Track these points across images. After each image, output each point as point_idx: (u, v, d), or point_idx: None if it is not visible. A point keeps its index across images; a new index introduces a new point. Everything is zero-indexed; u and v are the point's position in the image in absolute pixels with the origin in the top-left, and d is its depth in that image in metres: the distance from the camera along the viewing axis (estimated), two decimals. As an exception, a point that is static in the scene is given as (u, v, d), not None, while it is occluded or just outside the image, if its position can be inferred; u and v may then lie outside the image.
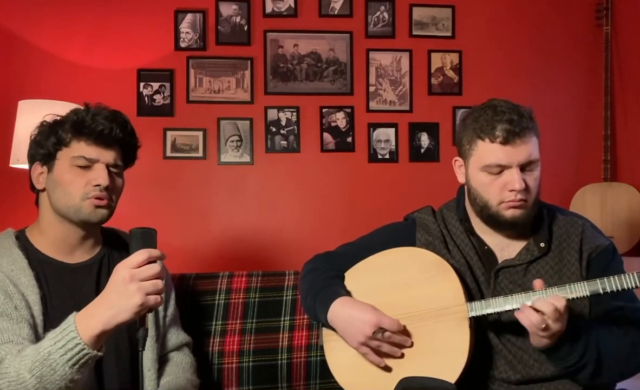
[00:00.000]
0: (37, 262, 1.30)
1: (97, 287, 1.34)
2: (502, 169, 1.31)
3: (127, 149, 1.39)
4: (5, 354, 1.11)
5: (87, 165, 1.29)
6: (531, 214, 1.35)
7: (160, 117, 2.92)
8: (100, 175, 1.29)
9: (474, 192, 1.37)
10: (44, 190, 1.33)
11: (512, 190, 1.30)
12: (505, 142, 1.30)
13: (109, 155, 1.32)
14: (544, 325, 1.18)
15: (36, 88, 2.76)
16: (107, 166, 1.32)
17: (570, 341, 1.25)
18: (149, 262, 1.04)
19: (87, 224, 1.32)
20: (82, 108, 1.34)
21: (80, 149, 1.29)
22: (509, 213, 1.32)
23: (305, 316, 1.74)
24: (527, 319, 1.20)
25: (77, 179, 1.29)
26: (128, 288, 1.02)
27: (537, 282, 1.25)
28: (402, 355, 1.34)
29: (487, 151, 1.32)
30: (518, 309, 1.28)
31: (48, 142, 1.30)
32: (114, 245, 1.43)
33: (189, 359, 1.51)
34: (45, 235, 1.33)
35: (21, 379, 1.05)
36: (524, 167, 1.32)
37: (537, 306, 1.19)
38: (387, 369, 1.35)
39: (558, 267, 1.37)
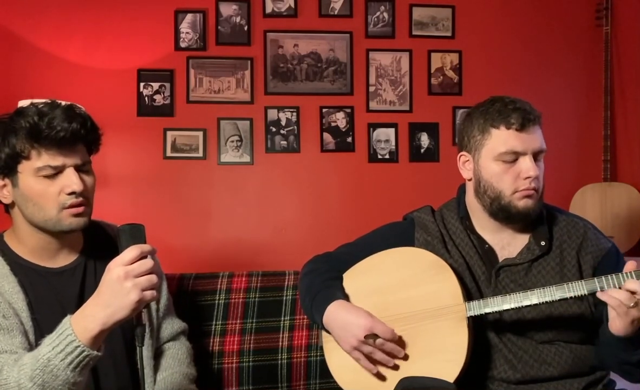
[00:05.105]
0: (19, 268, 1.25)
1: (82, 288, 1.30)
2: (516, 156, 1.32)
3: (91, 142, 1.29)
4: (2, 364, 1.09)
5: (55, 173, 1.21)
6: (540, 206, 1.36)
7: (160, 117, 2.92)
8: (72, 182, 1.21)
9: (486, 183, 1.36)
10: (13, 205, 1.25)
11: (527, 178, 1.31)
12: (521, 128, 1.32)
13: (75, 157, 1.23)
14: (632, 303, 1.15)
15: (36, 88, 2.75)
16: (76, 168, 1.23)
17: None
18: (141, 258, 1.03)
19: (68, 232, 1.26)
20: (31, 108, 1.21)
21: (43, 159, 1.19)
22: (522, 203, 1.33)
23: (306, 316, 1.74)
24: (614, 299, 1.17)
25: (48, 189, 1.21)
26: (124, 286, 1.01)
27: (630, 264, 1.22)
28: (400, 358, 1.34)
29: (502, 139, 1.33)
30: (515, 308, 1.28)
31: (1, 154, 1.20)
32: (96, 241, 1.37)
33: (185, 348, 1.48)
34: (23, 244, 1.27)
35: (22, 388, 1.04)
36: (535, 156, 1.33)
37: (631, 288, 1.17)
38: (387, 369, 1.35)
39: (559, 267, 1.37)
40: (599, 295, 1.20)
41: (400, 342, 1.33)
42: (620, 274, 1.21)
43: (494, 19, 3.10)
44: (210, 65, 2.96)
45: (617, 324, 1.20)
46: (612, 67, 3.07)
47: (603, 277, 1.23)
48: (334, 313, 1.35)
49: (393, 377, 1.33)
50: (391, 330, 1.31)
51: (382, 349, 1.31)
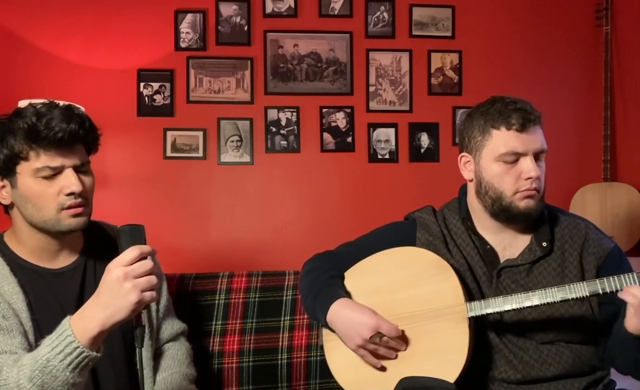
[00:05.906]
0: (19, 268, 1.24)
1: (82, 289, 1.30)
2: (517, 157, 1.32)
3: (90, 143, 1.29)
4: (2, 365, 1.08)
5: (54, 174, 1.21)
6: (541, 206, 1.36)
7: (160, 117, 2.92)
8: (71, 182, 1.21)
9: (487, 184, 1.36)
10: (12, 206, 1.25)
11: (528, 179, 1.31)
12: (521, 129, 1.31)
13: (74, 158, 1.23)
14: None
15: (36, 88, 2.75)
16: (75, 169, 1.23)
17: None
18: (141, 259, 1.03)
19: (67, 233, 1.26)
20: (29, 109, 1.20)
21: (42, 159, 1.19)
22: (523, 203, 1.33)
23: (305, 316, 1.73)
24: (634, 296, 1.17)
25: (47, 190, 1.21)
26: (123, 286, 1.01)
27: None
28: (399, 357, 1.34)
29: (502, 140, 1.33)
30: (517, 309, 1.28)
31: (0, 155, 1.20)
32: (96, 242, 1.37)
33: (185, 348, 1.48)
34: (23, 244, 1.27)
35: (22, 388, 1.04)
36: (536, 156, 1.33)
37: None
38: (387, 368, 1.35)
39: (560, 268, 1.36)
40: (620, 295, 1.20)
41: (403, 339, 1.34)
42: (622, 276, 1.21)
43: (494, 19, 3.10)
44: (210, 65, 2.96)
45: (634, 322, 1.19)
46: (612, 67, 3.07)
47: (605, 279, 1.23)
48: (338, 311, 1.35)
49: (393, 377, 1.33)
50: (396, 327, 1.31)
51: (386, 345, 1.32)
